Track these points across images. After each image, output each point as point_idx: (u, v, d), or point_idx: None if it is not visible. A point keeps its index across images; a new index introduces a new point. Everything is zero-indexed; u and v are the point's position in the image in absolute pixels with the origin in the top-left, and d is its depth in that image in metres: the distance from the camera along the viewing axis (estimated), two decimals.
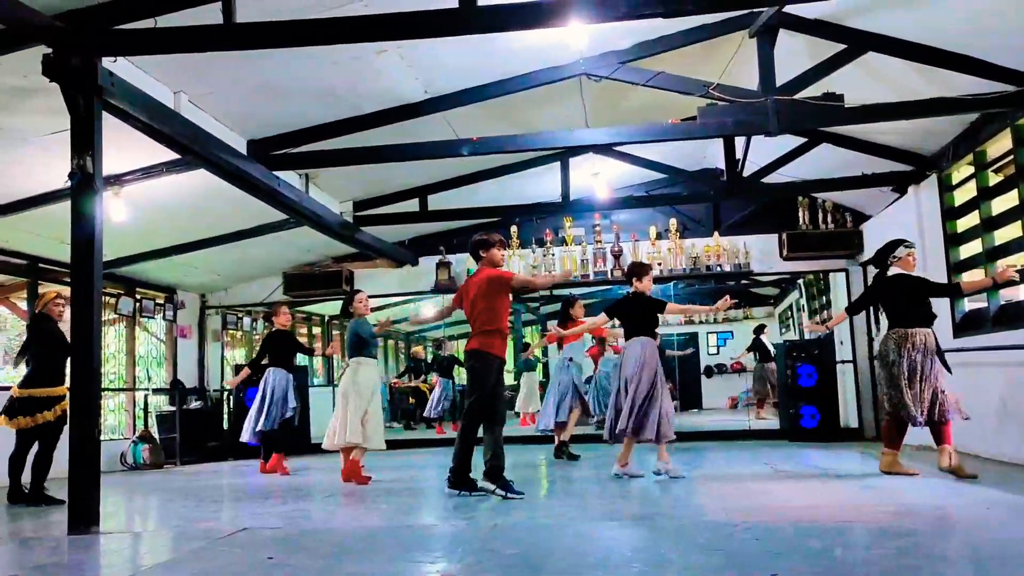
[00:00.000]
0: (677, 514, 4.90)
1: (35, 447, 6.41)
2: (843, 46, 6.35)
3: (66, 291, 6.26)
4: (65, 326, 6.17)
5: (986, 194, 7.25)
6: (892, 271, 6.28)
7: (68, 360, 6.27)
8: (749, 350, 14.55)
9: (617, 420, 6.54)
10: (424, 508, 5.66)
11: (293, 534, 4.58)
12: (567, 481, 6.85)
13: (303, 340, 15.41)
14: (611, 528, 4.48)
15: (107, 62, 4.97)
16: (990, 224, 7.16)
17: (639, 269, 6.94)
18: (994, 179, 7.30)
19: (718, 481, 6.31)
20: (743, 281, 12.88)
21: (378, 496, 6.14)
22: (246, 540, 4.35)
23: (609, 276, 10.71)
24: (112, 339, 10.37)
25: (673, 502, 5.43)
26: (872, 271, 9.86)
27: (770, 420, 12.29)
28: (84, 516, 4.72)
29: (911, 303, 6.09)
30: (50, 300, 6.65)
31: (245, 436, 8.41)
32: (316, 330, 15.51)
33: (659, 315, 6.77)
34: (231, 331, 12.38)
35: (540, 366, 14.93)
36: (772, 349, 12.99)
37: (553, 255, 10.79)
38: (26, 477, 6.35)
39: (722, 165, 9.07)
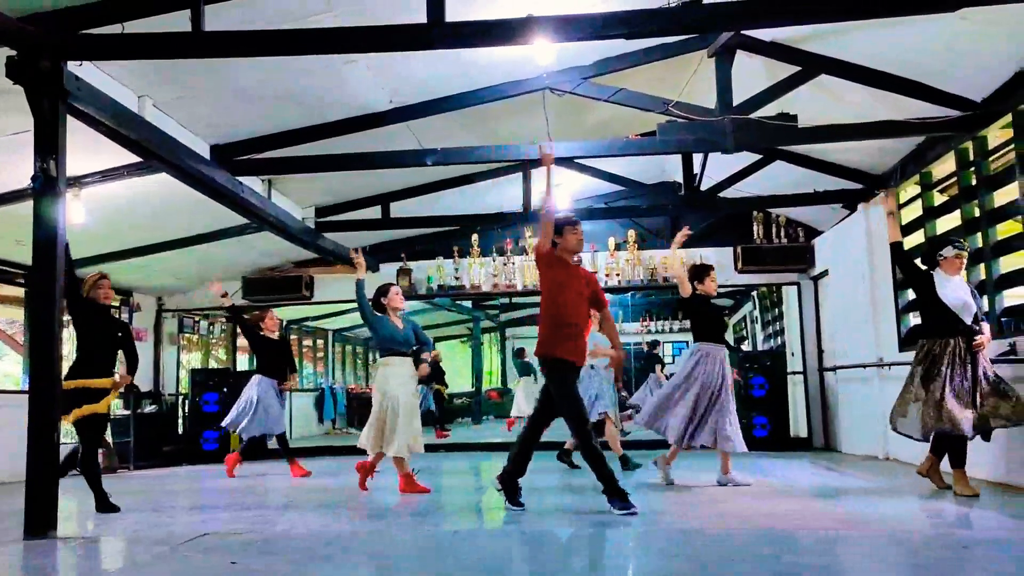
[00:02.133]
0: (635, 521, 5.02)
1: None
2: (797, 68, 6.59)
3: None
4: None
5: (932, 213, 7.55)
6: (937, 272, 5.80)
7: (116, 349, 6.12)
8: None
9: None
10: (388, 514, 5.70)
11: (256, 539, 4.60)
12: (532, 488, 6.93)
13: None
14: (569, 535, 4.58)
15: (72, 66, 4.96)
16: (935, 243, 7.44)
17: (701, 271, 6.72)
18: (939, 199, 7.60)
19: (673, 489, 6.46)
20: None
21: (342, 502, 6.17)
22: (208, 545, 4.37)
23: None
24: (65, 341, 10.18)
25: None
26: (822, 284, 10.21)
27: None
28: (41, 520, 4.67)
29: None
30: (92, 284, 6.10)
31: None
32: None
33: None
34: (187, 335, 12.25)
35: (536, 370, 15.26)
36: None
37: (513, 264, 10.90)
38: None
39: (680, 178, 9.29)
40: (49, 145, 4.83)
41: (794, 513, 5.16)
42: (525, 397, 13.85)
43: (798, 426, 10.52)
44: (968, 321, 5.58)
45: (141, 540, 4.76)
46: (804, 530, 4.51)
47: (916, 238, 7.80)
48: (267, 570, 3.76)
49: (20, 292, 9.42)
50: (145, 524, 5.35)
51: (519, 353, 15.44)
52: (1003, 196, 6.43)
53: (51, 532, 4.69)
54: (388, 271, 11.12)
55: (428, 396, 14.44)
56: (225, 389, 10.64)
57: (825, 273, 10.01)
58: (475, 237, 10.92)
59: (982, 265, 6.58)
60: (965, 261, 5.81)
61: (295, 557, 4.11)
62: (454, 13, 4.79)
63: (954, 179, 7.17)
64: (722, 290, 12.57)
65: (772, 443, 9.94)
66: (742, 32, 6.40)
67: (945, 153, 7.06)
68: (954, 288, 5.68)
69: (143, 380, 11.07)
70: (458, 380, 19.07)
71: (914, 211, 7.91)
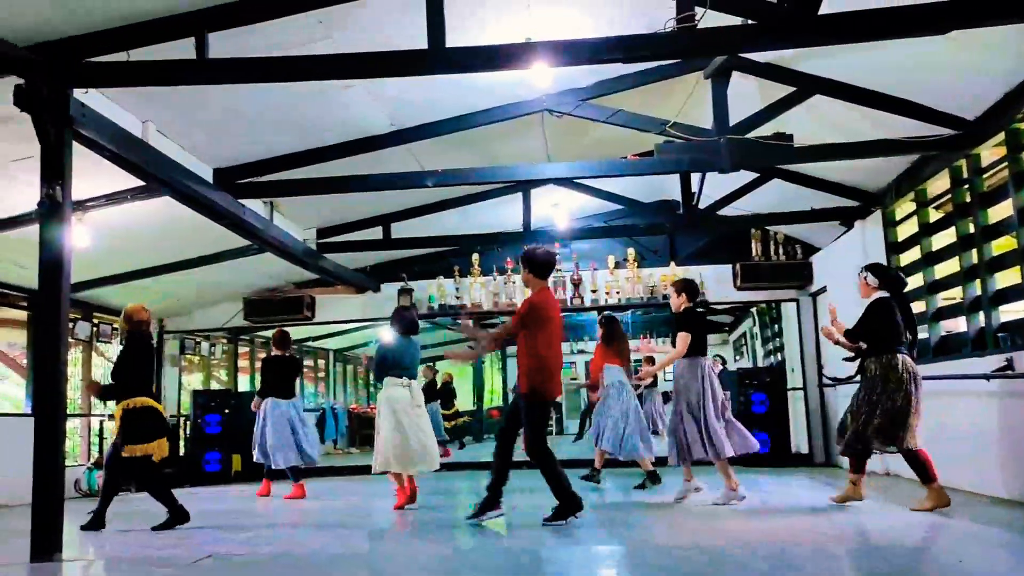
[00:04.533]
0: (634, 537, 5.07)
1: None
2: (793, 88, 6.67)
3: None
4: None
5: (927, 230, 7.61)
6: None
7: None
8: None
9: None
10: (385, 533, 5.73)
11: (258, 560, 4.63)
12: (529, 506, 6.95)
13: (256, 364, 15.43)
14: (566, 552, 4.61)
15: (78, 92, 5.04)
16: (931, 258, 7.50)
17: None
18: (934, 216, 7.67)
19: (673, 506, 6.48)
20: (698, 310, 13.20)
21: (342, 522, 6.19)
22: (213, 567, 4.39)
23: (568, 304, 10.91)
24: (68, 364, 10.24)
25: (630, 527, 5.58)
26: (821, 300, 10.26)
27: None
28: (47, 543, 4.70)
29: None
30: (145, 315, 6.39)
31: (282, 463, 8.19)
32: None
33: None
34: (189, 356, 12.29)
35: None
36: None
37: (513, 283, 10.96)
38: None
39: (679, 197, 9.37)
40: (55, 171, 4.90)
41: (790, 529, 5.18)
42: None
43: (799, 442, 10.53)
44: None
45: (145, 562, 4.79)
46: (799, 545, 4.54)
47: (912, 255, 7.87)
48: None
49: (22, 315, 9.47)
50: (149, 546, 5.37)
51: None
52: (998, 213, 6.50)
53: (57, 555, 4.71)
54: (389, 291, 11.18)
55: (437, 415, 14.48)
56: (227, 410, 10.65)
57: (823, 290, 10.06)
58: (475, 256, 10.99)
59: (978, 281, 6.65)
60: (862, 283, 6.19)
61: None
62: (453, 39, 4.87)
63: (949, 196, 7.25)
64: (721, 307, 12.68)
65: (773, 459, 9.94)
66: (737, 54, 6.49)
67: (939, 171, 7.13)
68: None
69: None
70: (459, 399, 19.04)
71: (910, 228, 7.97)
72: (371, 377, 7.26)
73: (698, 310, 6.89)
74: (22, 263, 7.91)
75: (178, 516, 6.04)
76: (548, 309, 5.65)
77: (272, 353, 8.65)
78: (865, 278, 6.15)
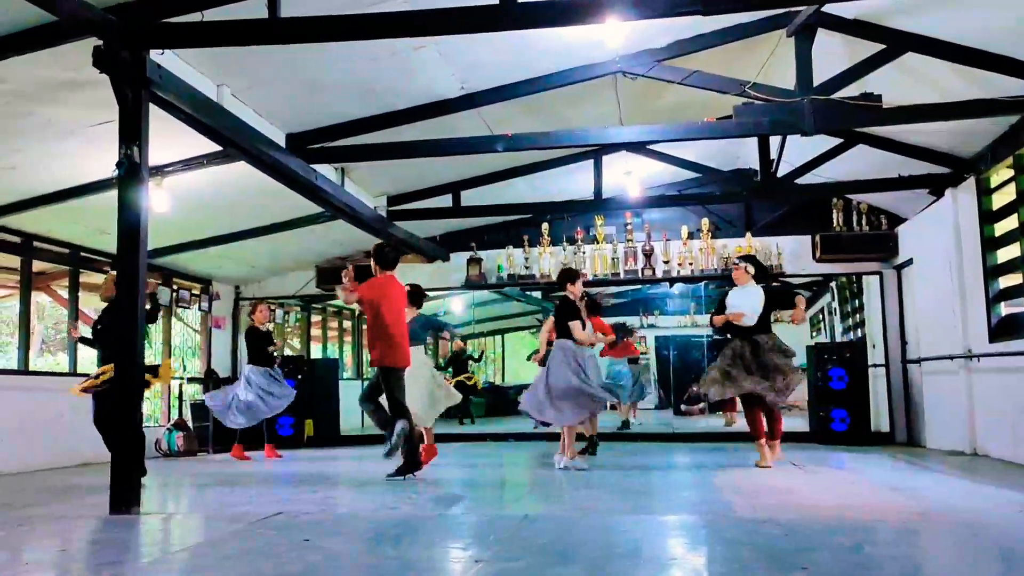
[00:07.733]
0: (705, 510, 4.93)
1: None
2: (882, 46, 6.32)
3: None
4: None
5: None
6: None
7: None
8: None
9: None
10: (453, 499, 5.73)
11: (327, 519, 4.66)
12: (590, 475, 6.88)
13: (333, 334, 15.72)
14: (639, 522, 4.51)
15: (155, 55, 5.09)
16: None
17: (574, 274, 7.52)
18: None
19: (746, 480, 6.31)
20: (775, 283, 12.80)
21: (407, 487, 6.21)
22: (282, 524, 4.44)
23: (640, 275, 10.72)
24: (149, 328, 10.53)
25: (701, 499, 5.45)
26: (906, 273, 9.83)
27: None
28: (125, 497, 4.83)
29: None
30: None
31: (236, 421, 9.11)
32: (347, 324, 15.69)
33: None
34: None
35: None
36: None
37: (584, 253, 10.81)
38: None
39: (756, 165, 9.05)
40: (132, 132, 4.97)
41: (869, 505, 4.97)
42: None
43: (880, 420, 10.15)
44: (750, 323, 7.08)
45: (217, 517, 4.89)
46: (883, 521, 4.34)
47: (1010, 223, 7.42)
48: (339, 549, 3.81)
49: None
50: (222, 503, 5.49)
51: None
52: None
53: (134, 508, 4.84)
54: (459, 260, 11.16)
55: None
56: (300, 376, 10.83)
57: (910, 262, 9.63)
58: (545, 226, 10.87)
59: None
60: (742, 271, 7.34)
61: (365, 536, 4.14)
62: None
63: None
64: (799, 280, 12.27)
65: (851, 437, 9.62)
66: (823, 10, 6.17)
67: None
68: (740, 296, 7.29)
69: (222, 367, 11.39)
70: (526, 372, 19.05)
71: (1006, 196, 7.52)
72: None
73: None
74: (106, 229, 8.14)
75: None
76: (387, 289, 6.84)
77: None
78: (745, 268, 7.33)
